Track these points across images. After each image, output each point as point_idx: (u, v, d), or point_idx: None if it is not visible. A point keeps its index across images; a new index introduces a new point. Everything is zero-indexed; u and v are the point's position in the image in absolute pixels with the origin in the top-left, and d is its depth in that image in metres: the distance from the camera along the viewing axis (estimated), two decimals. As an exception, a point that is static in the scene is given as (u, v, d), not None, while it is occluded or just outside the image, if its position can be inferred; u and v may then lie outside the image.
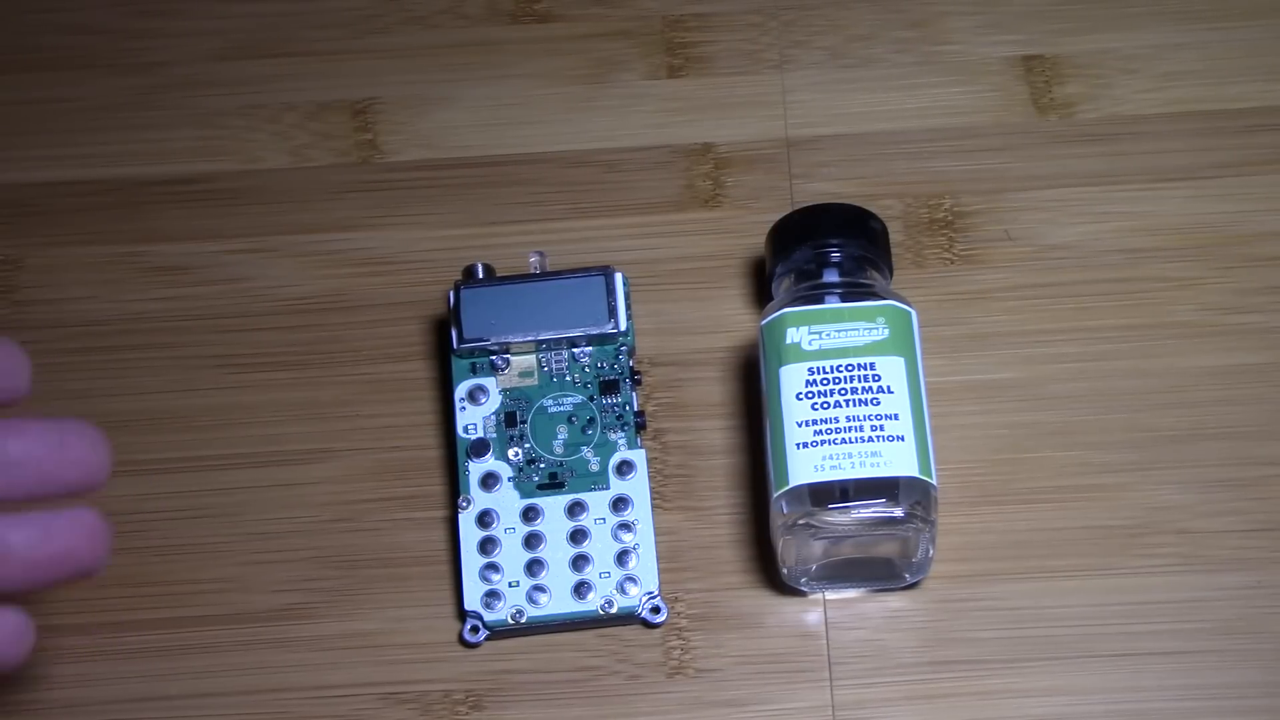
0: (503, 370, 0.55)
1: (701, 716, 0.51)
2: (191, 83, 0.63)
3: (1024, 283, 0.57)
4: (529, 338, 0.54)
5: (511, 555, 0.53)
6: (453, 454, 0.55)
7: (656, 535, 0.53)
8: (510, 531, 0.53)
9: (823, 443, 0.49)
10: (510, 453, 0.54)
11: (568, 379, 0.55)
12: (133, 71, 0.63)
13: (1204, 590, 0.52)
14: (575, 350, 0.55)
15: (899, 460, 0.49)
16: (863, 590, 0.53)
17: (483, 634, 0.52)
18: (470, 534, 0.53)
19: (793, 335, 0.51)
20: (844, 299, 0.52)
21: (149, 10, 0.65)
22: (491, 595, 0.52)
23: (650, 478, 0.54)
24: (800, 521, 0.49)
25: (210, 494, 0.55)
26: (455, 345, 0.54)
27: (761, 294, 0.57)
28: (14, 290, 0.59)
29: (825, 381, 0.50)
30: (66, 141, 0.62)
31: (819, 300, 0.52)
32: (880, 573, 0.52)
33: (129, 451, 0.56)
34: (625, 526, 0.53)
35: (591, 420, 0.54)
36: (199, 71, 0.63)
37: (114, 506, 0.55)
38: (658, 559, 0.53)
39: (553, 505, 0.53)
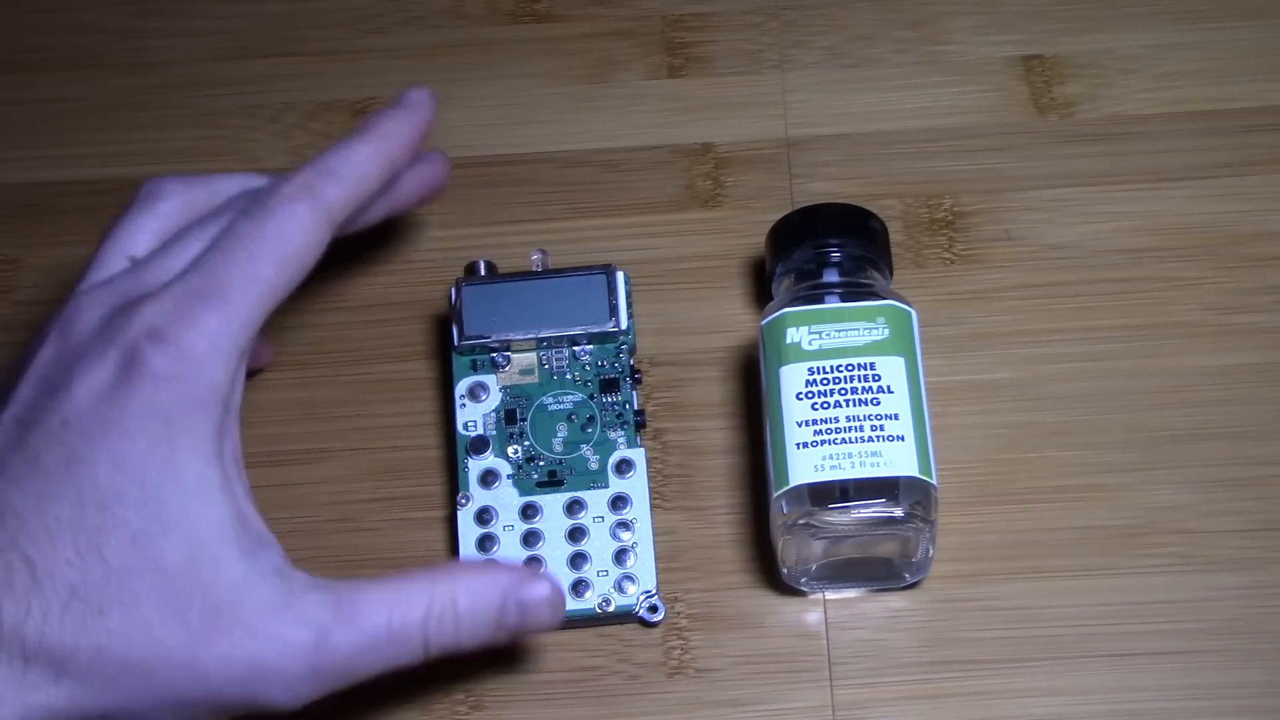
0: (503, 367, 0.55)
1: (701, 716, 0.51)
2: (191, 83, 0.63)
3: (1024, 283, 0.57)
4: (530, 335, 0.54)
5: (510, 552, 0.53)
6: (453, 454, 0.55)
7: (656, 534, 0.53)
8: (509, 529, 0.53)
9: (823, 443, 0.49)
10: (510, 450, 0.54)
11: (568, 377, 0.55)
12: (133, 71, 0.63)
13: (1204, 590, 0.52)
14: (576, 348, 0.55)
15: (899, 460, 0.49)
16: (863, 590, 0.53)
17: (482, 633, 0.52)
18: (469, 531, 0.53)
19: (793, 335, 0.51)
20: (844, 299, 0.52)
21: (149, 10, 0.65)
22: (491, 594, 0.52)
23: (650, 477, 0.54)
24: (800, 521, 0.49)
25: (210, 493, 0.55)
26: (456, 342, 0.54)
27: (761, 294, 0.57)
28: (14, 290, 0.59)
29: (825, 381, 0.50)
30: (66, 141, 0.62)
31: (819, 300, 0.52)
32: (880, 573, 0.52)
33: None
34: (624, 525, 0.53)
35: (591, 418, 0.54)
36: (199, 71, 0.63)
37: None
38: (656, 558, 0.53)
39: (552, 503, 0.53)
